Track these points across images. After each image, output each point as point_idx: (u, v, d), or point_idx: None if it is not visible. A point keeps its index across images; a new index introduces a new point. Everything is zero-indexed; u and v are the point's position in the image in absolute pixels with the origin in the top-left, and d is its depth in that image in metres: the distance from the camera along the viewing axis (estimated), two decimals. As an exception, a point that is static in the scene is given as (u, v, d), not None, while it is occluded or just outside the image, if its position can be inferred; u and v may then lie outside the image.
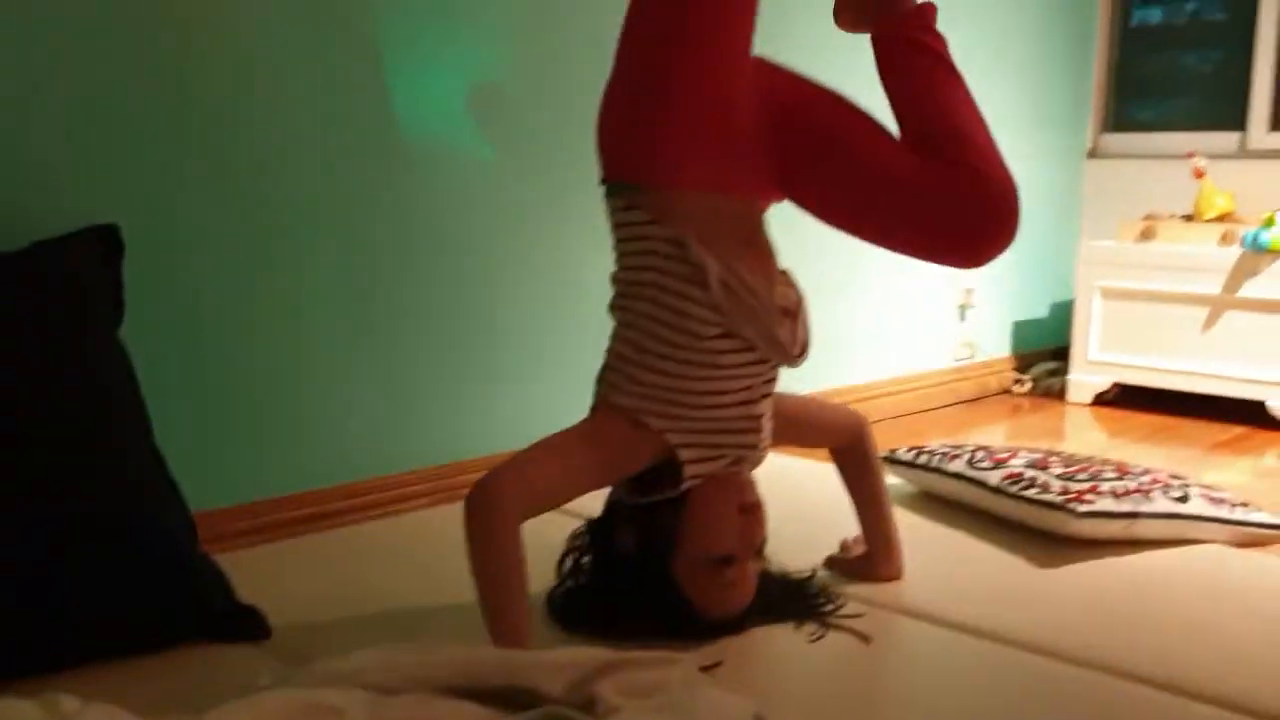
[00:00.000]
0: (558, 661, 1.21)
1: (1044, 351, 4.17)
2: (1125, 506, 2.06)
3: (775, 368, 1.62)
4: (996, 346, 3.99)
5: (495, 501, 1.43)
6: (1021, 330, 4.11)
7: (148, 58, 1.86)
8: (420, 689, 1.15)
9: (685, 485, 1.54)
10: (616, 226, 1.59)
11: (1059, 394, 3.90)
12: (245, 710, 1.08)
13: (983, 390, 3.91)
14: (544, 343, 2.51)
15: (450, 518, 1.97)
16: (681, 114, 1.49)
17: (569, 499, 1.52)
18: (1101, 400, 3.79)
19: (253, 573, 1.72)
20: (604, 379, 1.60)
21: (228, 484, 1.99)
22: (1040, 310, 4.20)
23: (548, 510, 1.50)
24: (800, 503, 2.16)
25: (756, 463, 1.65)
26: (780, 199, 1.61)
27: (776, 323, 1.56)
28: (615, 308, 1.61)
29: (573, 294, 2.51)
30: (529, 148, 2.45)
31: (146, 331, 1.75)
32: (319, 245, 2.13)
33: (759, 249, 1.60)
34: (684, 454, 1.53)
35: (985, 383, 3.92)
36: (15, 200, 1.73)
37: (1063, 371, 3.94)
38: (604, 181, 1.60)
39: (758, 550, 1.60)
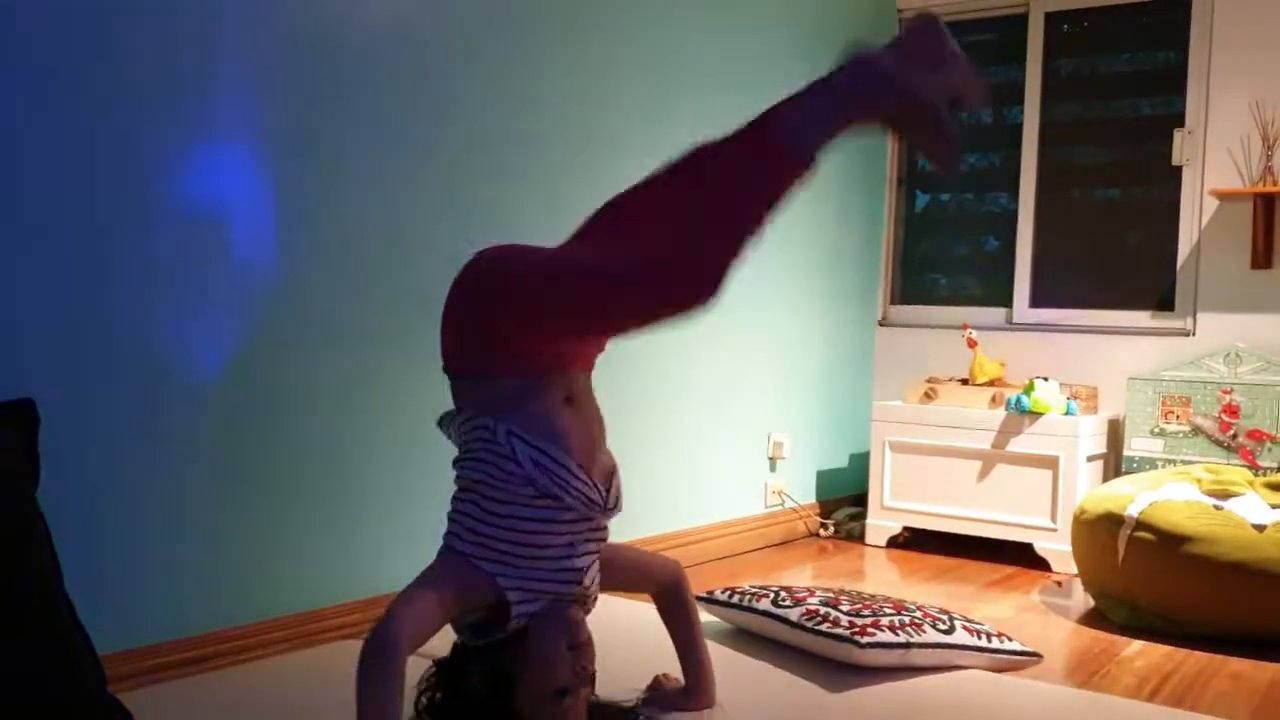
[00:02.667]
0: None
1: (845, 499, 4.61)
2: (901, 638, 2.43)
3: (598, 522, 1.91)
4: (803, 494, 4.40)
5: (392, 643, 1.67)
6: (826, 479, 4.55)
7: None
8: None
9: (514, 624, 1.80)
10: (455, 404, 1.90)
11: (859, 537, 4.32)
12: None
13: (791, 534, 4.30)
14: (394, 492, 2.74)
15: (309, 662, 2.19)
16: (496, 338, 1.82)
17: (439, 628, 1.77)
18: (894, 543, 4.23)
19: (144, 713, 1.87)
20: (449, 529, 1.87)
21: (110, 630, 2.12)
22: (842, 461, 4.65)
23: (425, 641, 1.74)
24: (627, 639, 2.44)
25: (586, 605, 1.93)
26: (581, 361, 1.93)
27: (589, 485, 1.85)
28: (457, 467, 1.89)
29: (423, 451, 2.76)
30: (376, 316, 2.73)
31: (54, 492, 1.93)
32: (194, 418, 2.33)
33: (577, 406, 1.89)
34: (511, 595, 1.80)
35: (794, 527, 4.31)
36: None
37: (862, 516, 4.37)
38: (444, 370, 1.91)
39: (589, 681, 1.86)
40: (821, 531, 4.40)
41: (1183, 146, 4.18)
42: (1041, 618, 3.23)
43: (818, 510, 4.47)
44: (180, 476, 2.29)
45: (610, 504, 1.91)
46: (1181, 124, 4.19)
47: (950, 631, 2.52)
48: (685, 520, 3.78)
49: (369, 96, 2.63)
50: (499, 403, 1.82)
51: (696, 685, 2.15)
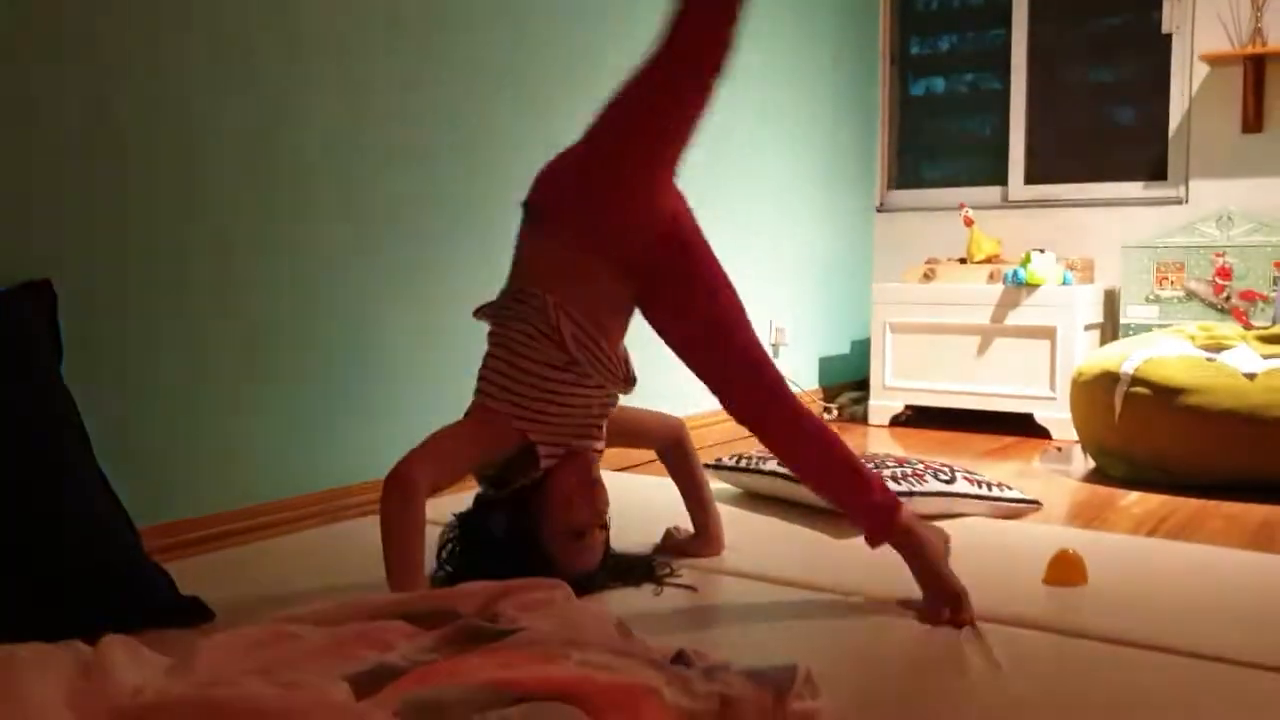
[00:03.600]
0: (468, 590, 1.54)
1: (848, 384, 4.68)
2: (903, 486, 2.51)
3: (613, 390, 2.02)
4: (807, 380, 4.47)
5: (408, 481, 1.76)
6: (828, 365, 4.62)
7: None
8: (360, 619, 1.45)
9: (543, 467, 1.90)
10: (516, 248, 1.99)
11: (863, 419, 4.40)
12: (228, 636, 1.36)
13: (797, 418, 4.37)
14: (418, 378, 2.81)
15: (341, 535, 2.28)
16: (617, 210, 1.92)
17: (458, 480, 1.87)
18: (897, 421, 4.31)
19: (181, 580, 1.96)
20: (480, 387, 1.95)
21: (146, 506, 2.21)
22: (844, 347, 4.72)
23: (444, 489, 1.84)
24: (640, 509, 2.53)
25: (598, 453, 2.02)
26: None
27: (614, 361, 1.97)
28: (494, 325, 1.97)
29: (446, 339, 2.83)
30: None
31: (83, 372, 2.00)
32: (218, 301, 2.39)
33: (619, 317, 2.01)
34: (541, 449, 1.91)
35: (799, 412, 4.39)
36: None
37: (865, 400, 4.45)
38: (525, 203, 1.98)
39: (603, 520, 1.96)
40: (825, 415, 4.49)
41: (1172, 13, 4.17)
42: (1042, 479, 3.31)
43: (821, 395, 4.55)
44: (209, 359, 2.36)
45: (630, 376, 2.05)
46: (1171, -10, 4.18)
47: (951, 481, 2.60)
48: (689, 407, 3.85)
49: None
50: (553, 276, 1.92)
51: (705, 531, 2.24)
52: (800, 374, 4.43)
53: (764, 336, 4.23)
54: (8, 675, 1.30)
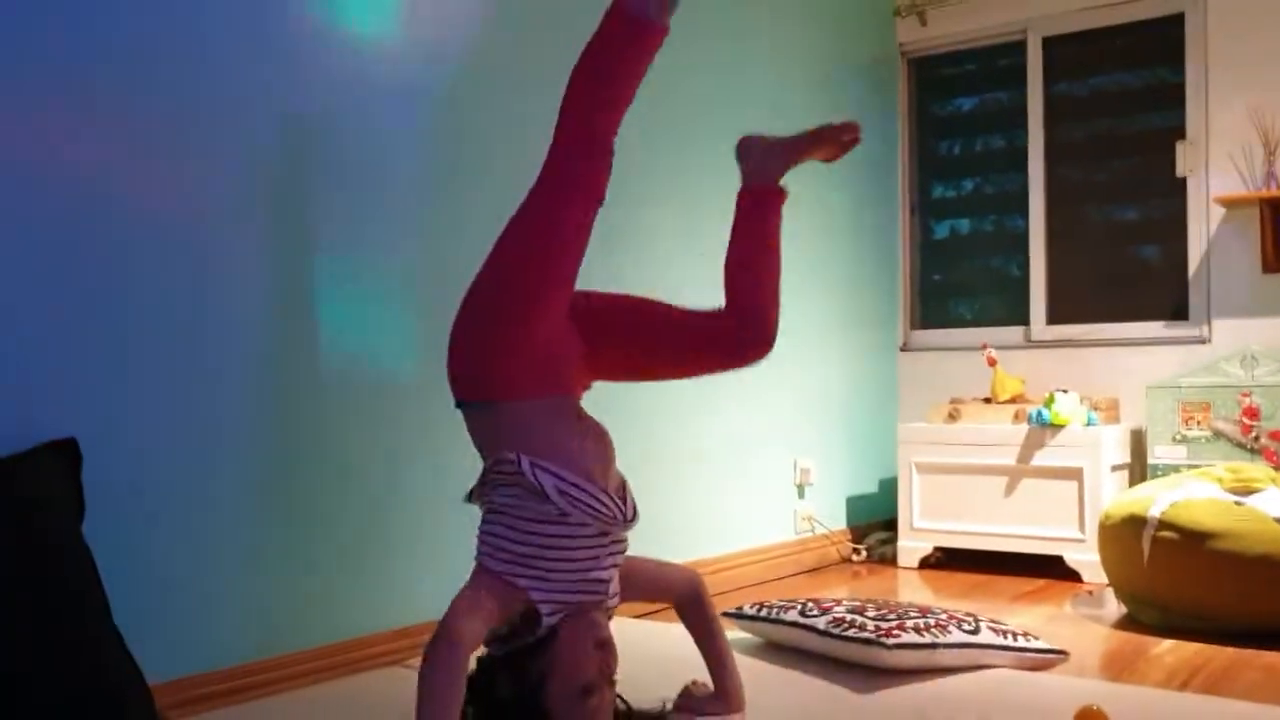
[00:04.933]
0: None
1: (877, 524, 4.64)
2: (926, 639, 2.48)
3: (617, 534, 2.00)
4: (834, 520, 4.44)
5: (458, 640, 1.77)
6: (856, 505, 4.60)
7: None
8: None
9: (544, 627, 1.89)
10: (472, 436, 2.00)
11: (892, 560, 4.36)
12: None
13: (823, 560, 4.34)
14: (429, 526, 2.83)
15: (361, 687, 2.27)
16: (515, 342, 1.92)
17: (483, 639, 1.87)
18: (926, 563, 4.26)
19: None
20: (479, 550, 1.96)
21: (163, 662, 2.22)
22: (872, 486, 4.70)
23: (475, 649, 1.84)
24: (657, 659, 2.51)
25: (608, 613, 2.01)
26: (590, 380, 2.07)
27: (610, 501, 1.94)
28: (483, 494, 1.98)
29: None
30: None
31: (101, 528, 2.04)
32: (240, 453, 2.44)
33: (585, 424, 2.01)
34: (543, 608, 1.90)
35: (826, 553, 4.36)
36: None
37: (894, 540, 4.41)
38: (456, 403, 2.00)
39: (611, 680, 1.94)
40: (854, 556, 4.44)
41: (1185, 157, 4.25)
42: (1072, 625, 3.25)
43: (849, 536, 4.51)
44: (224, 511, 2.40)
45: (629, 516, 2.00)
46: (1183, 136, 4.27)
47: (976, 632, 2.56)
48: (716, 548, 3.84)
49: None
50: (515, 431, 1.92)
51: (724, 689, 2.21)
52: (828, 515, 4.41)
53: (788, 476, 4.23)
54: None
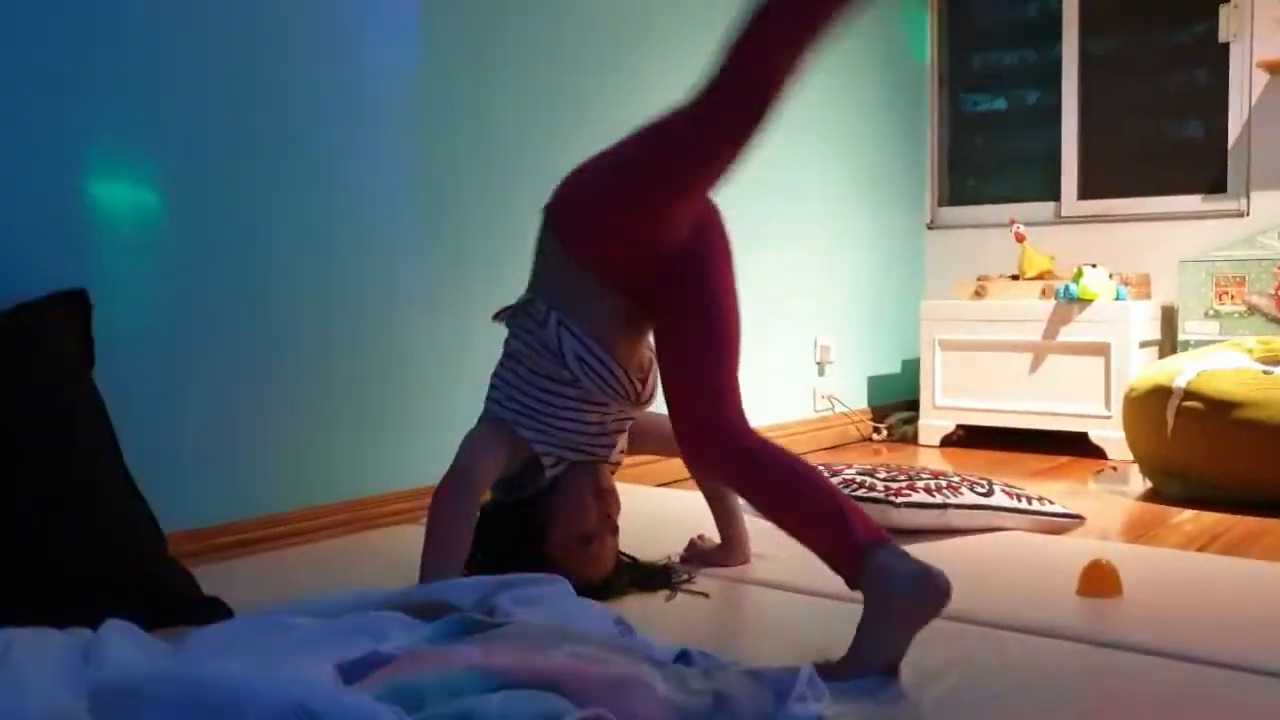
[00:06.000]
0: (466, 583, 1.53)
1: (899, 404, 4.60)
2: (937, 499, 2.45)
3: (629, 408, 1.98)
4: (854, 400, 4.41)
5: (470, 480, 1.80)
6: (877, 384, 4.55)
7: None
8: (359, 610, 1.45)
9: (548, 478, 1.89)
10: (534, 254, 1.94)
11: (913, 439, 4.32)
12: (223, 625, 1.37)
13: (843, 438, 4.32)
14: (441, 390, 2.82)
15: (367, 543, 2.28)
16: (627, 229, 1.83)
17: (493, 481, 1.90)
18: (948, 441, 4.22)
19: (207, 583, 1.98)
20: (489, 394, 1.94)
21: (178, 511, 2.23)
22: (894, 367, 4.64)
23: (485, 490, 1.88)
24: (677, 520, 2.50)
25: (613, 464, 2.00)
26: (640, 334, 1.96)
27: (626, 379, 1.90)
28: (509, 331, 1.95)
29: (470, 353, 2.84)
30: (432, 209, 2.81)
31: (115, 377, 2.03)
32: (254, 312, 2.42)
33: (629, 333, 1.92)
34: (546, 460, 1.90)
35: (846, 431, 4.33)
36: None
37: (916, 420, 4.37)
38: (546, 208, 1.92)
39: (613, 528, 1.93)
40: (874, 435, 4.41)
41: (1229, 22, 4.07)
42: (1094, 498, 3.21)
43: (870, 415, 4.47)
44: (239, 367, 2.39)
45: (645, 397, 1.98)
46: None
47: (989, 494, 2.53)
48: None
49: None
50: (562, 290, 1.87)
51: (732, 540, 2.21)
52: (849, 393, 4.37)
53: (808, 354, 4.18)
54: (7, 658, 1.31)
